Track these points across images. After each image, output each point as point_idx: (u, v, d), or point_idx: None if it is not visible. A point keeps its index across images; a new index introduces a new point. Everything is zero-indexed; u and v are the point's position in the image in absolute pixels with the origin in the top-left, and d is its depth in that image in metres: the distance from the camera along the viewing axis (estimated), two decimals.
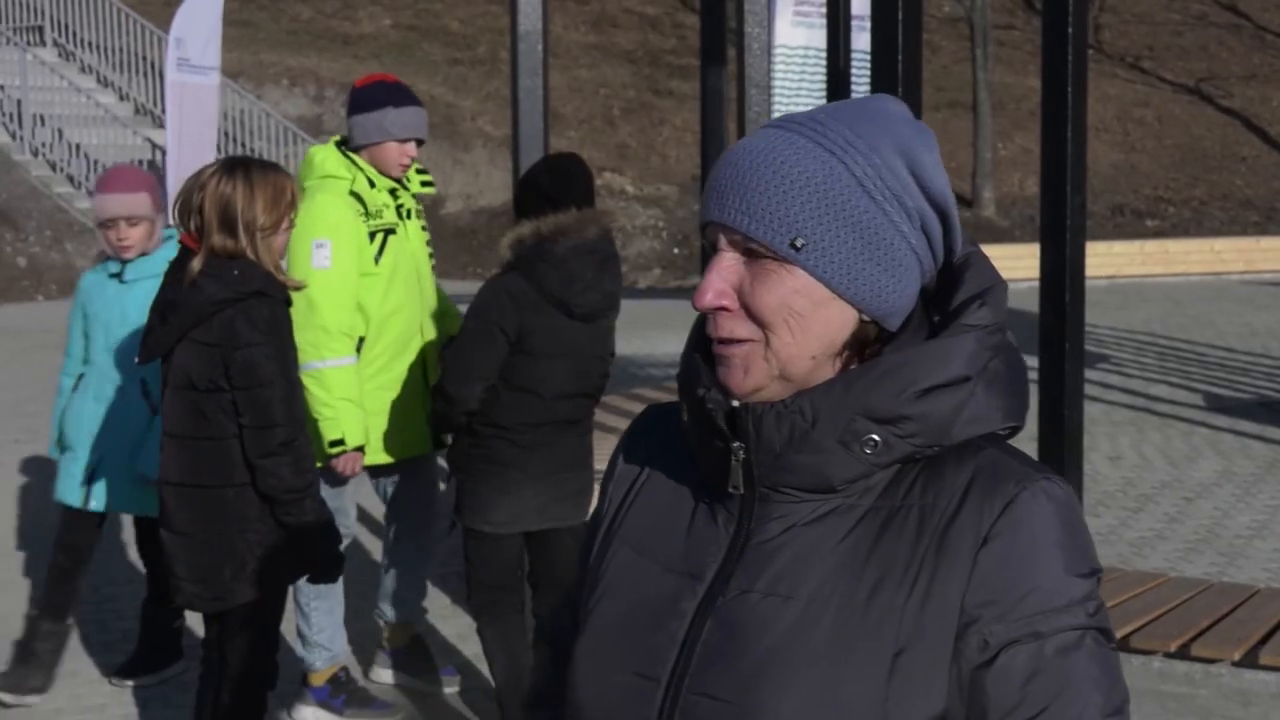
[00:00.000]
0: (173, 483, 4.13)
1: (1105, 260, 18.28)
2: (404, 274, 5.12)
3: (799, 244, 1.46)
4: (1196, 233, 21.56)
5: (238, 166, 4.05)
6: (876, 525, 1.49)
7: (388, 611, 5.55)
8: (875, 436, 1.47)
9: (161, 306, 4.07)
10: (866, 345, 1.51)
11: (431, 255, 5.37)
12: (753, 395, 1.51)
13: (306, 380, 4.80)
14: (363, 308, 5.02)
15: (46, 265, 17.43)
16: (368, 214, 5.02)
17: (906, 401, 1.46)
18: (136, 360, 4.28)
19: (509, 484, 4.63)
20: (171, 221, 4.25)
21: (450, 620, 6.30)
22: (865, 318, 1.50)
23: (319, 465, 4.99)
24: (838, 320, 1.49)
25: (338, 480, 5.08)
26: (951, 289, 1.53)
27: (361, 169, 5.08)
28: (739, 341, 1.50)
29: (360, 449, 5.00)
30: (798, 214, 1.46)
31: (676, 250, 19.66)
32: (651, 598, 1.56)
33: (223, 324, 3.98)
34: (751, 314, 1.49)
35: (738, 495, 1.53)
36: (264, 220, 4.03)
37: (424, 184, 5.34)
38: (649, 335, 12.45)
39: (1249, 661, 4.41)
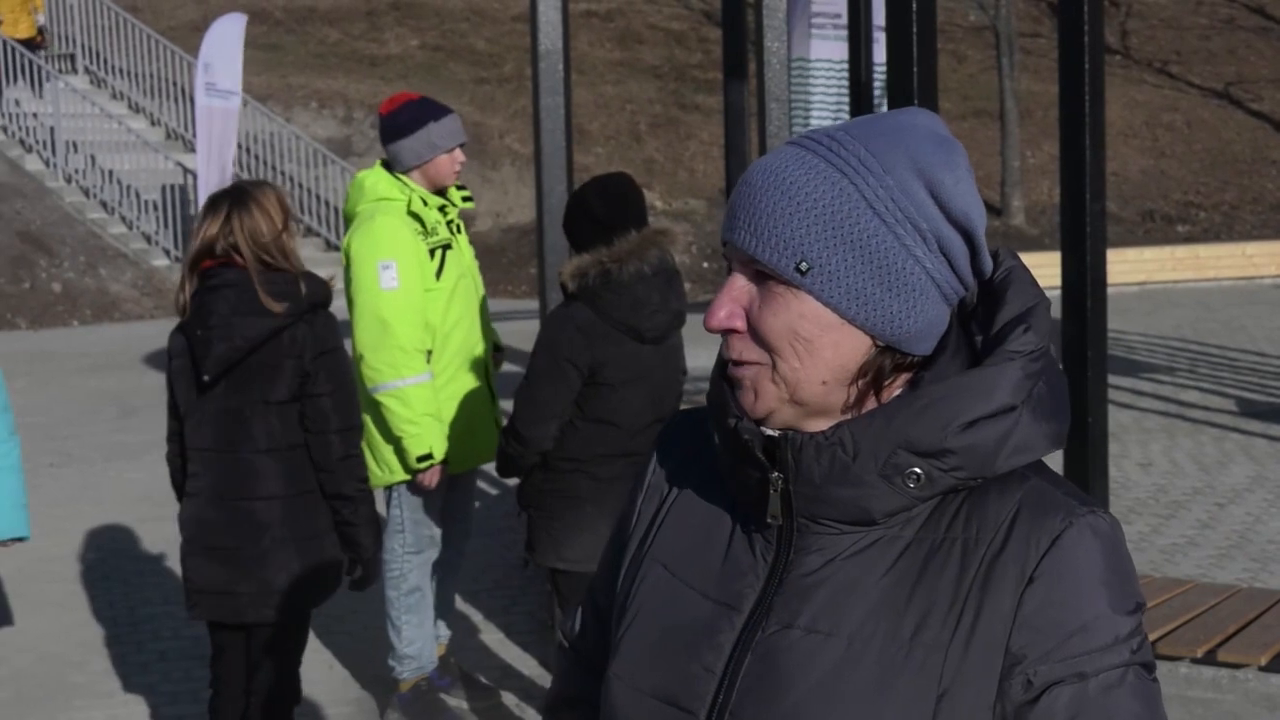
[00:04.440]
0: (211, 498, 4.22)
1: (1135, 266, 18.20)
2: (463, 287, 5.24)
3: (804, 268, 1.43)
4: (1227, 237, 21.44)
5: (244, 196, 4.18)
6: (919, 559, 1.46)
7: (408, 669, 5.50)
8: (918, 470, 1.43)
9: (221, 326, 4.11)
10: (885, 372, 1.47)
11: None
12: (767, 419, 1.48)
13: (388, 400, 4.99)
14: (428, 323, 5.12)
15: (81, 290, 17.57)
16: (426, 232, 5.12)
17: (951, 435, 1.42)
18: (205, 377, 4.19)
19: (584, 519, 4.45)
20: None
21: (483, 633, 6.34)
22: (879, 343, 1.45)
23: (402, 481, 5.16)
24: (848, 346, 1.45)
25: (421, 493, 5.21)
26: (993, 308, 1.49)
27: (412, 189, 5.16)
28: (748, 364, 1.48)
29: (444, 462, 5.10)
30: (803, 237, 1.43)
31: (706, 264, 19.68)
32: (687, 624, 1.53)
33: (296, 337, 4.14)
34: (758, 337, 1.47)
35: (775, 525, 1.50)
36: (285, 235, 4.20)
37: (464, 199, 5.45)
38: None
39: (1276, 666, 4.39)
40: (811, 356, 1.45)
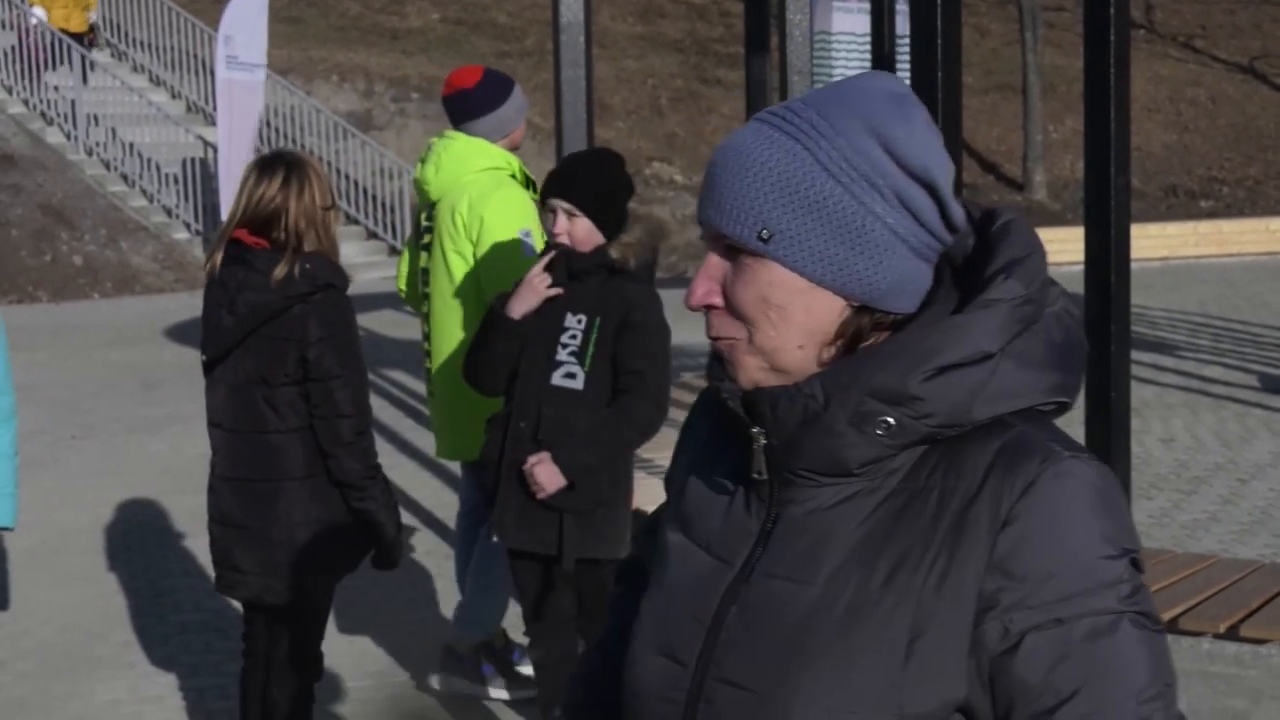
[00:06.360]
0: (229, 477, 4.21)
1: (1159, 241, 18.12)
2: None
3: (765, 236, 1.45)
4: (1251, 212, 21.32)
5: (300, 166, 4.11)
6: (896, 508, 1.45)
7: (470, 631, 5.43)
8: (889, 419, 1.42)
9: (226, 303, 4.11)
10: (864, 332, 1.47)
11: None
12: (750, 388, 1.50)
13: None
14: None
15: (102, 263, 17.61)
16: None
17: (917, 382, 1.41)
18: (203, 357, 4.26)
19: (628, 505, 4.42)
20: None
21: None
22: (854, 304, 1.46)
23: None
24: (820, 309, 1.46)
25: None
26: (984, 261, 1.47)
27: (511, 159, 5.16)
28: (726, 338, 1.50)
29: None
30: (762, 206, 1.45)
31: None
32: (689, 582, 1.56)
33: (295, 318, 4.04)
34: (734, 310, 1.49)
35: (764, 481, 1.51)
36: (328, 215, 4.12)
37: None
38: (698, 325, 12.46)
39: None
40: (786, 323, 1.46)
